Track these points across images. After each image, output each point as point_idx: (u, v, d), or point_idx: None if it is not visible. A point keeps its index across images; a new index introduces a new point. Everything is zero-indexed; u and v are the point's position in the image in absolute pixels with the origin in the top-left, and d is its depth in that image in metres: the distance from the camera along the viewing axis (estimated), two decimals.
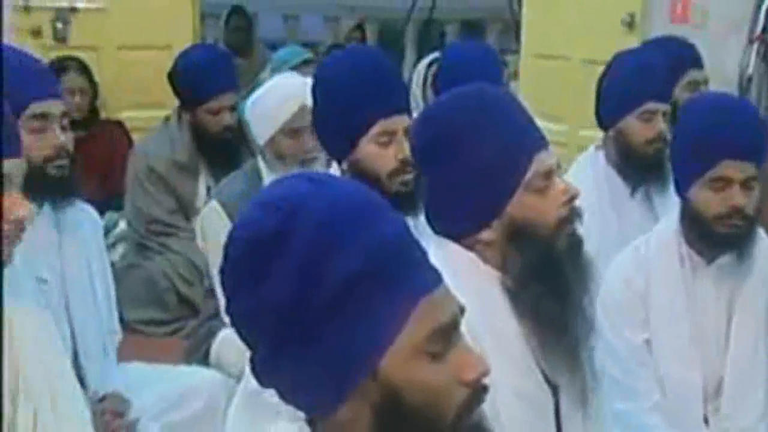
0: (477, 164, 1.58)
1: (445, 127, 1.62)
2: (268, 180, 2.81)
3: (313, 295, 1.03)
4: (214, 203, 2.85)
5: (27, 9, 4.85)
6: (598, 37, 4.40)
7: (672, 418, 2.17)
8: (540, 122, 1.70)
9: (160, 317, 3.77)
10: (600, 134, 2.97)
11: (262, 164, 2.88)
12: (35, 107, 2.21)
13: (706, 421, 2.19)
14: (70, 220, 2.42)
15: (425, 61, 4.40)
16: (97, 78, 4.57)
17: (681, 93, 3.20)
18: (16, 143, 1.73)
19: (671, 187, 2.31)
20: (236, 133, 3.78)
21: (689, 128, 2.17)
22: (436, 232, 1.65)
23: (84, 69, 4.48)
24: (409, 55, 7.63)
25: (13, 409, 1.76)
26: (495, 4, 7.48)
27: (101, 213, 2.76)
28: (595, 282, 1.71)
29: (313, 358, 1.04)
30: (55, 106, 2.27)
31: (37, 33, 4.85)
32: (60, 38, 4.88)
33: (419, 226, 1.79)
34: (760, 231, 2.19)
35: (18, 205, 1.70)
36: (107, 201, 4.05)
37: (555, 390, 1.63)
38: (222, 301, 2.90)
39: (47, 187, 2.27)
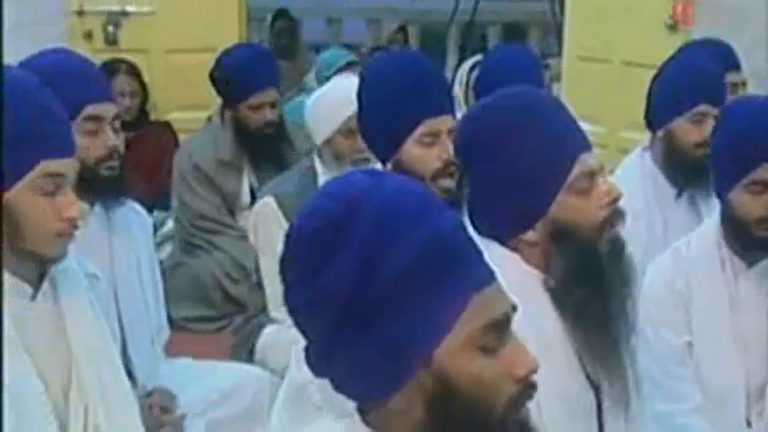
0: (520, 165, 1.59)
1: (489, 128, 1.63)
2: (322, 179, 2.84)
3: (371, 285, 1.05)
4: (269, 198, 2.88)
5: (80, 14, 4.94)
6: (640, 40, 4.38)
7: (714, 420, 2.16)
8: (582, 124, 1.70)
9: (206, 314, 3.82)
10: (640, 136, 2.96)
11: (317, 163, 2.91)
12: (89, 110, 2.24)
13: (749, 424, 2.17)
14: (120, 220, 2.46)
15: (468, 63, 4.40)
16: (146, 80, 4.63)
17: None
18: (71, 144, 1.77)
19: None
20: (278, 129, 3.83)
21: (728, 131, 2.16)
22: (480, 232, 1.65)
23: (134, 71, 4.54)
24: (451, 58, 7.64)
25: (65, 402, 1.80)
26: (536, 8, 7.47)
27: (149, 212, 2.80)
28: (637, 283, 1.72)
29: (369, 347, 1.06)
30: (107, 109, 2.30)
31: (89, 36, 4.92)
32: (111, 41, 4.96)
33: None
34: None
35: (71, 204, 1.74)
36: (155, 200, 4.11)
37: (597, 390, 1.63)
38: (269, 295, 2.96)
39: (99, 187, 2.31)
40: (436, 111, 2.16)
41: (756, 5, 4.30)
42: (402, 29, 7.62)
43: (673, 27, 4.40)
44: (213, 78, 3.90)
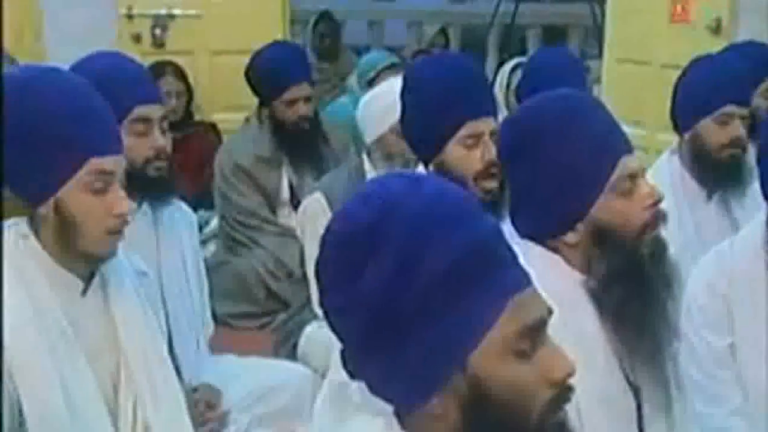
0: (562, 167, 1.60)
1: (531, 129, 1.64)
2: (371, 176, 2.83)
3: (406, 290, 1.04)
4: (318, 194, 2.92)
5: (129, 17, 5.01)
6: (682, 42, 4.36)
7: (756, 422, 2.15)
8: (622, 126, 1.70)
9: (250, 311, 3.85)
10: (677, 138, 2.95)
11: (366, 162, 2.93)
12: (138, 111, 2.28)
13: None
14: (166, 218, 2.49)
15: (508, 65, 4.41)
16: (192, 81, 4.69)
17: (759, 100, 3.14)
18: (118, 142, 1.79)
19: (749, 192, 2.28)
20: (313, 124, 3.87)
21: None
22: (521, 234, 1.66)
23: (180, 73, 4.60)
24: (491, 59, 7.64)
25: (114, 395, 1.83)
26: (577, 10, 7.44)
27: (194, 211, 2.82)
28: (680, 285, 1.71)
29: (405, 351, 1.06)
30: (155, 110, 2.34)
31: (137, 39, 4.99)
32: (158, 44, 5.02)
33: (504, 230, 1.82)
34: None
35: (121, 201, 1.76)
36: (200, 200, 4.15)
37: (637, 392, 1.63)
38: (314, 290, 2.98)
39: (147, 186, 2.34)
40: (478, 113, 2.17)
41: None
42: (443, 31, 7.63)
43: (716, 29, 4.36)
44: (248, 78, 3.96)
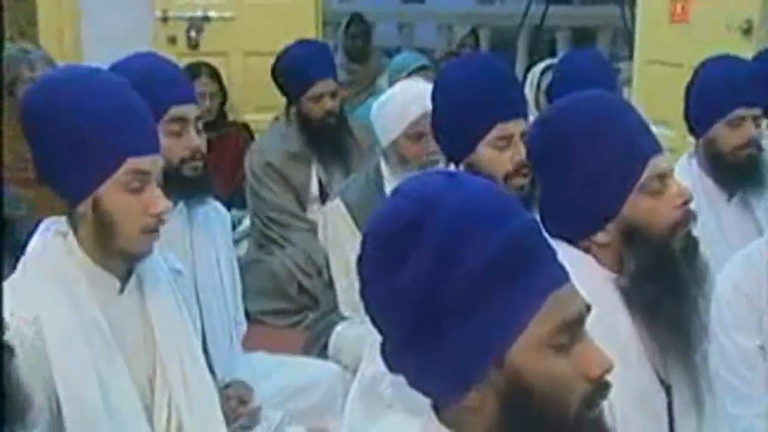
0: (592, 167, 1.60)
1: (561, 130, 1.65)
2: (389, 181, 2.88)
3: (447, 284, 1.06)
4: (338, 200, 2.94)
5: (165, 19, 5.07)
6: (712, 44, 4.34)
7: None
8: (652, 128, 1.71)
9: (282, 307, 3.88)
10: None
11: (383, 166, 2.95)
12: (175, 111, 2.30)
13: None
14: (201, 218, 2.51)
15: (539, 67, 4.40)
16: (225, 82, 4.72)
17: None
18: (155, 141, 1.81)
19: None
20: (339, 119, 3.90)
21: None
22: (552, 234, 1.64)
23: (214, 74, 4.63)
24: (520, 61, 7.64)
25: (150, 390, 1.84)
26: (606, 12, 7.43)
27: (227, 210, 2.84)
28: (711, 284, 1.72)
29: (443, 345, 1.07)
30: (191, 110, 2.35)
31: (172, 41, 5.05)
32: (193, 45, 5.08)
33: None
34: None
35: (158, 200, 1.77)
36: (233, 199, 4.20)
37: (668, 390, 1.64)
38: (339, 295, 3.00)
39: (183, 186, 2.35)
40: (509, 114, 2.19)
41: None
42: (473, 33, 7.64)
43: (747, 31, 4.34)
44: (274, 77, 4.00)
